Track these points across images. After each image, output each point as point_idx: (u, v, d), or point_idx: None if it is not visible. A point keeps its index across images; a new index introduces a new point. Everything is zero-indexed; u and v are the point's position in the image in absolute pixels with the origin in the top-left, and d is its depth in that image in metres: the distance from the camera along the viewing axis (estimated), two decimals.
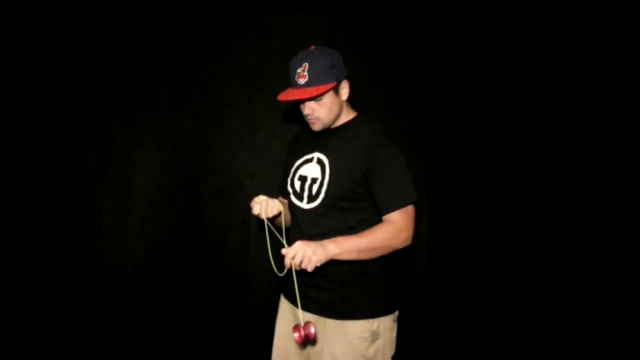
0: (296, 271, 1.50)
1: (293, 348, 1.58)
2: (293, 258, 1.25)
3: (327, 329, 1.45)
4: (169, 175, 2.20)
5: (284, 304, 1.64)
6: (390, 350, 1.51)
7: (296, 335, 1.29)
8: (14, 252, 2.11)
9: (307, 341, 1.32)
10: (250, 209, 1.48)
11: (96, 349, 2.19)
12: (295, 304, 1.54)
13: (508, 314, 2.35)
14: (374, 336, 1.44)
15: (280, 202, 1.57)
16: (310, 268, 1.25)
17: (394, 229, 1.39)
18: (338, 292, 1.45)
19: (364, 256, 1.37)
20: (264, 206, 1.43)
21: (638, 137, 2.25)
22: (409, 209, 1.42)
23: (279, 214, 1.46)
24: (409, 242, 1.43)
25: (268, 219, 1.44)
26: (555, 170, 2.32)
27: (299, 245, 1.26)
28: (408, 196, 1.42)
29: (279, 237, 1.42)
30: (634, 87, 2.23)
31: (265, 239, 1.35)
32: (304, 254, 1.25)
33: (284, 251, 1.28)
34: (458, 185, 2.30)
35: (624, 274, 2.28)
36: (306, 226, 1.49)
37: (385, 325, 1.47)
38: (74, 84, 2.12)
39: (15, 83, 2.08)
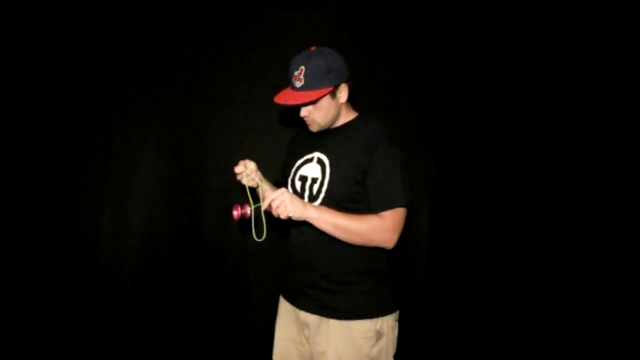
0: (299, 271, 1.52)
1: (294, 349, 1.58)
2: (273, 201, 1.30)
3: (331, 329, 1.44)
4: (168, 176, 2.19)
5: (283, 305, 1.63)
6: (392, 349, 1.51)
7: (235, 213, 1.38)
8: (14, 253, 2.10)
9: (242, 219, 1.41)
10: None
11: (96, 349, 2.18)
12: (296, 305, 1.54)
13: (508, 314, 2.35)
14: (378, 335, 1.44)
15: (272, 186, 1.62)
16: (282, 216, 1.30)
17: (379, 224, 1.38)
18: (341, 293, 1.45)
19: (339, 234, 1.37)
20: (248, 173, 1.48)
21: (638, 137, 2.25)
22: (400, 212, 1.40)
23: (256, 188, 1.50)
24: (391, 244, 1.40)
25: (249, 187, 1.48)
26: (555, 170, 2.33)
27: (282, 191, 1.31)
28: (399, 198, 1.40)
29: (250, 198, 1.43)
30: (634, 87, 2.23)
31: (249, 201, 1.40)
32: (281, 201, 1.29)
33: (267, 193, 1.35)
34: (458, 185, 2.30)
35: (625, 274, 2.28)
36: (306, 225, 1.48)
37: (388, 325, 1.47)
38: (73, 84, 2.12)
39: (15, 84, 2.07)
